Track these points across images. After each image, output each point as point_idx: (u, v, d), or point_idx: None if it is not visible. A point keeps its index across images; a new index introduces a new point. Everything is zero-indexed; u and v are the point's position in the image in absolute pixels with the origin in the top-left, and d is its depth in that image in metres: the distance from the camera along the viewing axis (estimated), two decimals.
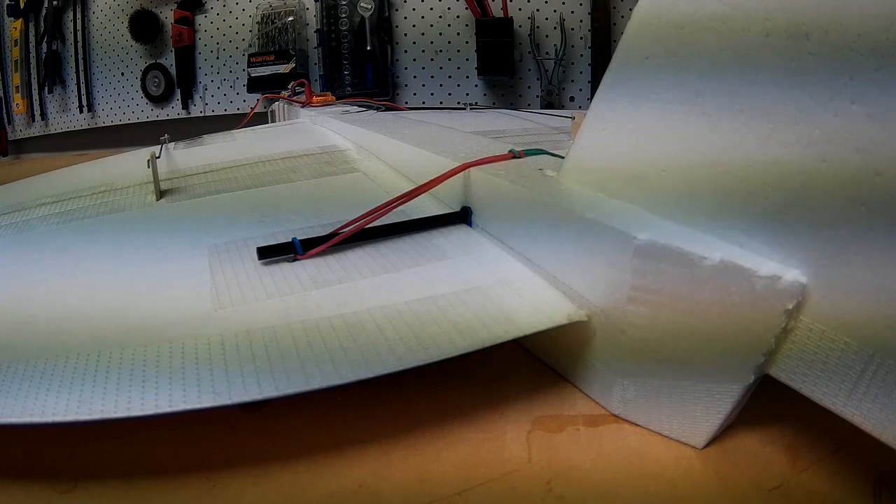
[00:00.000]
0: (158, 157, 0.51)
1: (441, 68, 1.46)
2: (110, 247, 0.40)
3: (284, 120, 1.13)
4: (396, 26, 1.46)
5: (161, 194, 0.47)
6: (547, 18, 1.40)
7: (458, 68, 1.45)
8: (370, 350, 0.27)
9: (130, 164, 0.61)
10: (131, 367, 0.26)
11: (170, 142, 0.72)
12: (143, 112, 1.63)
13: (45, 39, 1.61)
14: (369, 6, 1.41)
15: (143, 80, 1.60)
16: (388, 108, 1.04)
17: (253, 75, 1.46)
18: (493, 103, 1.45)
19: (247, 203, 0.47)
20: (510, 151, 0.40)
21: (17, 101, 1.66)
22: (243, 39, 1.53)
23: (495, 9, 1.37)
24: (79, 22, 1.61)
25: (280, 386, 0.25)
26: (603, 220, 0.27)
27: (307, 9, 1.50)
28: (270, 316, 0.29)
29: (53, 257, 0.39)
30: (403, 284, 0.32)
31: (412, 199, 0.39)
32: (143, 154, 0.69)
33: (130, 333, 0.29)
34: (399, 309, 0.29)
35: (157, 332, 0.29)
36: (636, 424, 0.28)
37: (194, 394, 0.24)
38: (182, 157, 0.63)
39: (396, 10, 1.45)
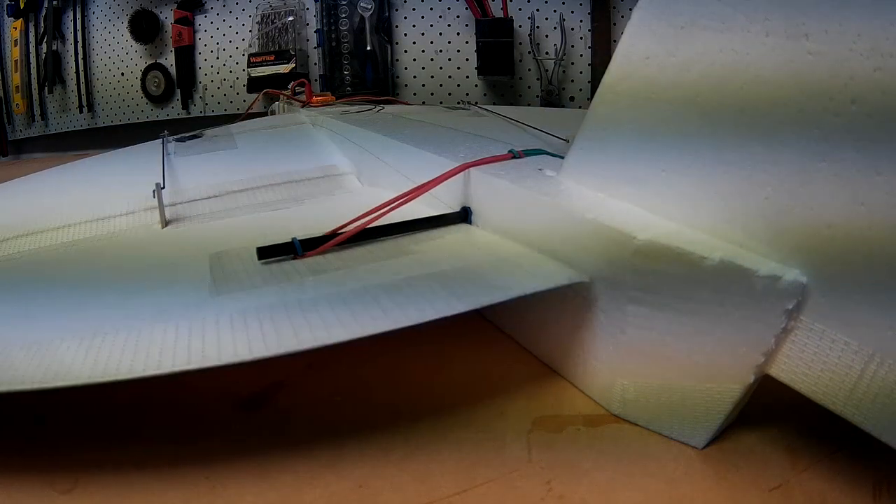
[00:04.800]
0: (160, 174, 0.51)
1: (441, 68, 1.46)
2: (116, 258, 0.41)
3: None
4: (396, 26, 1.45)
5: (167, 223, 0.48)
6: (547, 18, 1.40)
7: (458, 68, 1.45)
8: (363, 314, 0.27)
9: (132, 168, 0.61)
10: (123, 343, 0.26)
11: (170, 136, 0.71)
12: (143, 112, 1.63)
13: (45, 39, 1.61)
14: (369, 6, 1.41)
15: (143, 80, 1.60)
16: (388, 102, 1.04)
17: (253, 75, 1.46)
18: (493, 103, 1.45)
19: (251, 227, 0.47)
20: (510, 151, 0.40)
21: (17, 101, 1.66)
22: (243, 39, 1.53)
23: (495, 9, 1.37)
24: (79, 22, 1.61)
25: (270, 347, 0.25)
26: (603, 220, 0.27)
27: (307, 9, 1.50)
28: (267, 298, 0.30)
29: (58, 289, 0.39)
30: (402, 267, 0.32)
31: (412, 199, 0.39)
32: (144, 150, 0.69)
33: (125, 320, 0.29)
34: (396, 284, 0.29)
35: (153, 315, 0.29)
36: (636, 424, 0.28)
37: (183, 359, 0.24)
38: (182, 168, 0.62)
39: (396, 10, 1.45)
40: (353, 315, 0.27)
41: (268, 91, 1.35)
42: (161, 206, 0.47)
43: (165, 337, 0.26)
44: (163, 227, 0.47)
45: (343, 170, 0.59)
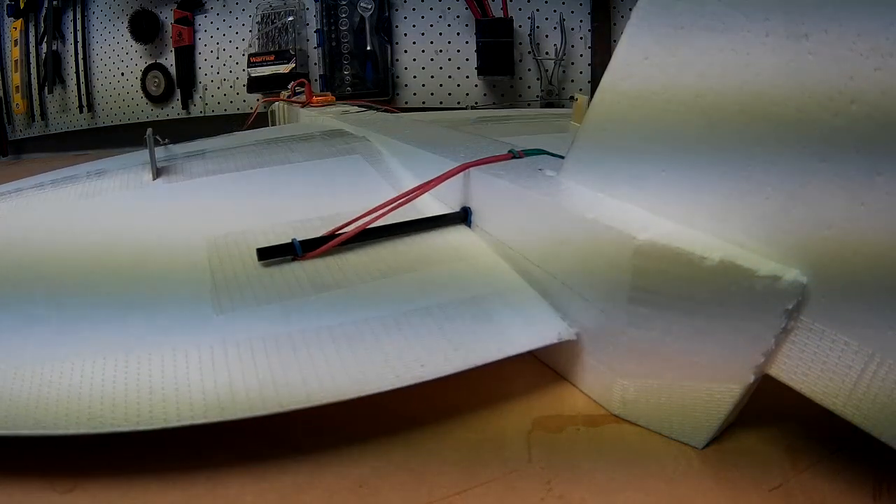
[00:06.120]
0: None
1: (441, 68, 1.46)
2: (109, 227, 0.40)
3: (285, 121, 1.13)
4: (396, 26, 1.45)
5: (158, 173, 0.46)
6: (547, 18, 1.40)
7: (458, 68, 1.45)
8: (369, 366, 0.27)
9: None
10: (137, 375, 0.26)
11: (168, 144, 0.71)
12: (143, 112, 1.63)
13: (45, 39, 1.61)
14: (369, 6, 1.41)
15: (143, 80, 1.60)
16: (386, 111, 1.04)
17: (253, 75, 1.46)
18: (493, 103, 1.45)
19: (245, 187, 0.46)
20: (510, 151, 0.40)
21: (17, 101, 1.66)
22: (243, 39, 1.53)
23: (495, 9, 1.37)
24: (79, 22, 1.61)
25: (283, 402, 0.25)
26: (603, 220, 0.27)
27: (307, 9, 1.50)
28: (271, 322, 0.29)
29: (49, 236, 0.38)
30: (401, 292, 0.32)
31: (412, 199, 0.39)
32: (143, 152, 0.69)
33: (133, 338, 0.29)
34: (397, 320, 0.29)
35: (160, 337, 0.29)
36: (636, 424, 0.28)
37: (200, 408, 0.25)
38: (178, 148, 0.62)
39: (396, 10, 1.45)
40: (359, 365, 0.27)
41: (268, 98, 1.35)
42: (152, 155, 0.46)
43: (178, 374, 0.26)
44: (154, 179, 0.46)
45: (339, 127, 0.58)
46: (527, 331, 0.29)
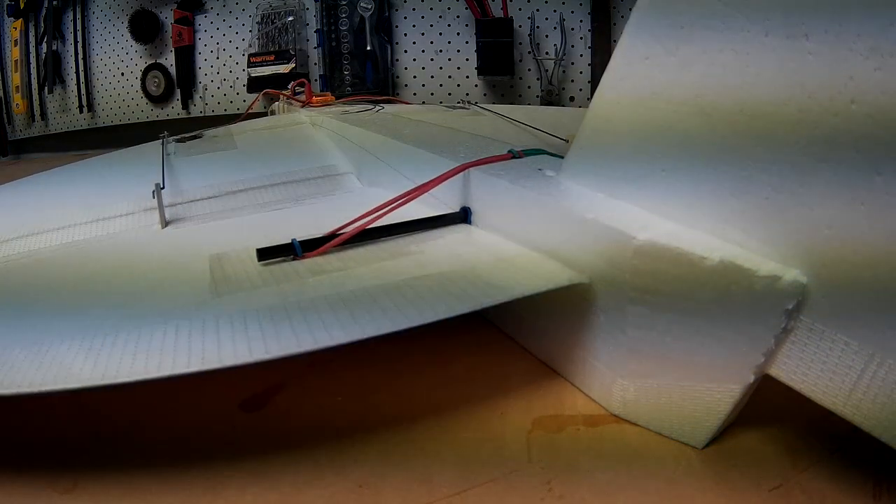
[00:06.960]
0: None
1: (441, 68, 1.46)
2: (119, 258, 0.41)
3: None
4: (396, 26, 1.45)
5: (166, 223, 0.48)
6: (547, 18, 1.40)
7: (458, 68, 1.45)
8: (364, 316, 0.27)
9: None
10: (124, 344, 0.26)
11: (170, 136, 0.71)
12: (143, 112, 1.63)
13: (45, 39, 1.61)
14: (369, 6, 1.41)
15: (143, 80, 1.60)
16: (388, 102, 1.04)
17: (253, 75, 1.46)
18: (493, 103, 1.45)
19: (251, 228, 0.47)
20: (510, 151, 0.40)
21: (17, 101, 1.66)
22: (243, 39, 1.53)
23: (495, 9, 1.37)
24: (79, 22, 1.61)
25: (271, 349, 0.25)
26: (603, 220, 0.27)
27: (307, 9, 1.50)
28: (267, 299, 0.30)
29: (58, 291, 0.39)
30: (402, 268, 0.32)
31: (412, 199, 0.39)
32: (144, 151, 0.69)
33: (125, 320, 0.29)
34: (397, 285, 0.29)
35: (153, 317, 0.29)
36: (636, 424, 0.28)
37: (184, 361, 0.24)
38: (182, 169, 0.62)
39: (396, 10, 1.45)
40: (354, 316, 0.27)
41: (268, 91, 1.35)
42: (161, 207, 0.48)
43: (165, 339, 0.26)
44: (162, 228, 0.47)
45: (342, 169, 0.59)
46: (535, 278, 0.29)
